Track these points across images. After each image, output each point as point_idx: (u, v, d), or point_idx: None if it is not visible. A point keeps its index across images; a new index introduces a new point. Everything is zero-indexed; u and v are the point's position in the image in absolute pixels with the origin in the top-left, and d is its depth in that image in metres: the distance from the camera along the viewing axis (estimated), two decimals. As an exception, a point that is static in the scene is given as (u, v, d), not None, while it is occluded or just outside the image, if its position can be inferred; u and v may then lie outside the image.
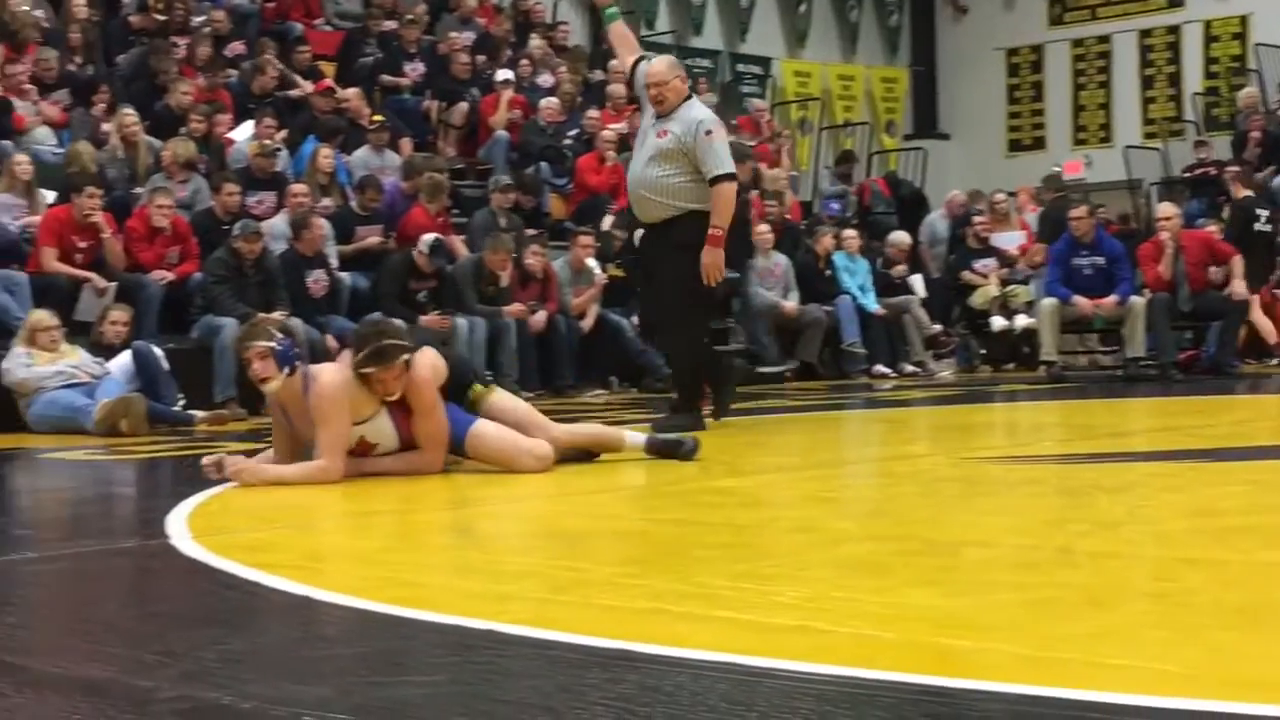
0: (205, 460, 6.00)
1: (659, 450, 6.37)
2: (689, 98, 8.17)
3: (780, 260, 14.81)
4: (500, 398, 6.39)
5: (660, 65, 8.15)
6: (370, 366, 5.84)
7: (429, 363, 6.07)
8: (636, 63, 8.37)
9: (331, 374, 6.01)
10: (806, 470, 6.53)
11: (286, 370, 5.96)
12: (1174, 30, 22.31)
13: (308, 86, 14.88)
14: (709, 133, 7.89)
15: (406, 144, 14.74)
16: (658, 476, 6.15)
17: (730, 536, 4.42)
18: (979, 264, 15.90)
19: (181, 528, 4.66)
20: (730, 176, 7.89)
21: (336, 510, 5.35)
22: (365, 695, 2.54)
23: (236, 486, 5.82)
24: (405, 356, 5.90)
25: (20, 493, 6.89)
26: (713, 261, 7.85)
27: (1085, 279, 13.28)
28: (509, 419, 6.26)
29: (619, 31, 8.66)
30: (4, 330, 10.12)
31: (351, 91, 14.83)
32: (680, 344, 8.33)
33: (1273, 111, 18.97)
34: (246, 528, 4.95)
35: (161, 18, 14.85)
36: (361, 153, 13.99)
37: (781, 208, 15.89)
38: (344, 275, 12.18)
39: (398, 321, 6.17)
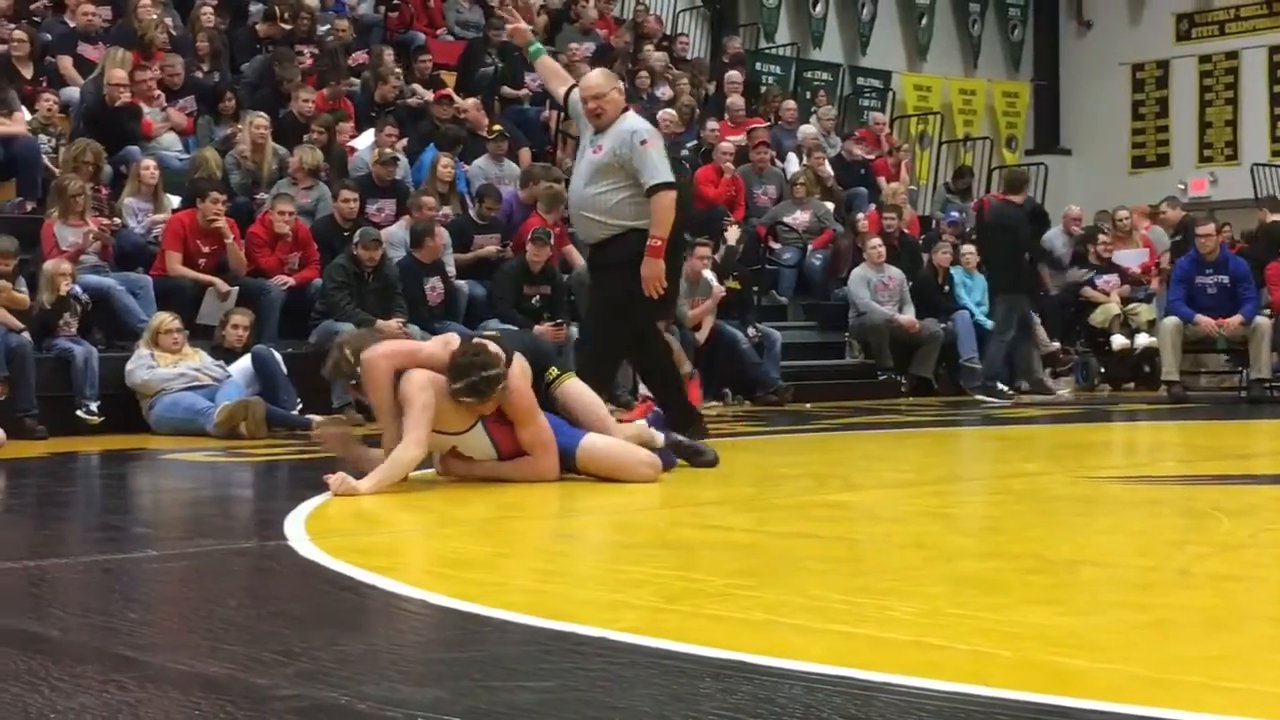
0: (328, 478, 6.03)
1: (679, 450, 6.44)
2: (626, 110, 7.81)
3: (895, 274, 14.71)
4: (575, 385, 6.48)
5: (596, 78, 7.81)
6: (468, 398, 5.89)
7: (520, 371, 6.12)
8: (569, 91, 8.05)
9: (423, 372, 6.01)
10: (922, 486, 6.48)
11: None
12: (1305, 46, 21.92)
13: (428, 95, 15.02)
14: (644, 142, 7.54)
15: (525, 154, 14.82)
16: (770, 489, 6.13)
17: (845, 550, 4.39)
18: (1101, 281, 15.69)
19: (299, 530, 4.72)
20: (668, 185, 7.52)
21: (450, 516, 5.39)
22: (478, 699, 2.56)
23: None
24: (502, 386, 5.90)
25: (142, 492, 7.01)
26: (652, 274, 7.45)
27: (1209, 298, 13.06)
28: (579, 406, 6.40)
29: (547, 65, 8.39)
30: (129, 332, 10.30)
31: (470, 101, 14.95)
32: (590, 364, 7.65)
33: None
34: (362, 531, 5.00)
35: (287, 26, 15.06)
36: (480, 162, 14.08)
37: (900, 222, 15.79)
38: (461, 283, 12.27)
39: (491, 343, 6.09)
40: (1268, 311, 13.12)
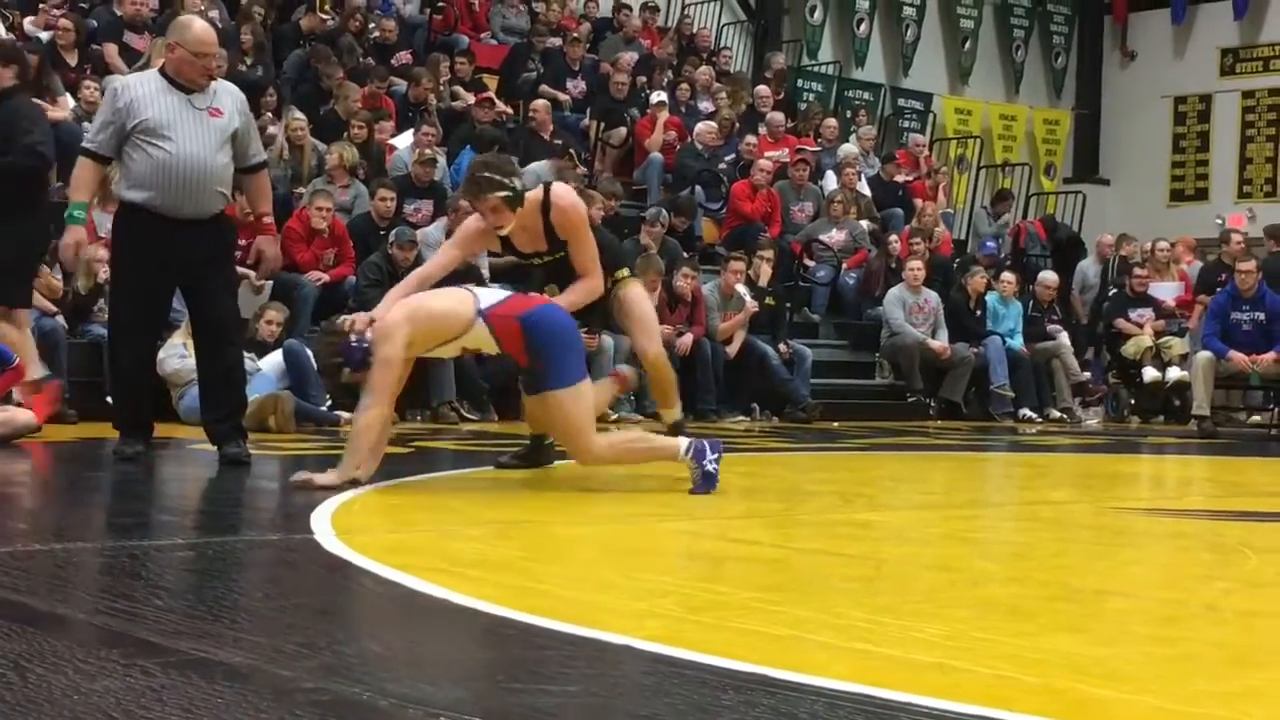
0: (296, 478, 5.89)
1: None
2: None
3: (930, 297, 14.69)
4: (638, 289, 7.19)
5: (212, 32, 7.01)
6: (465, 197, 6.40)
7: (570, 190, 6.69)
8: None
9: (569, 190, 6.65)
10: (949, 509, 6.46)
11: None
12: (1349, 85, 21.82)
13: (469, 98, 15.05)
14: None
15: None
16: (799, 505, 6.12)
17: (870, 570, 4.38)
18: (1134, 313, 15.64)
19: (325, 524, 4.73)
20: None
21: (478, 517, 5.39)
22: (499, 700, 2.56)
23: (379, 487, 5.89)
24: (500, 193, 6.29)
25: (170, 481, 7.04)
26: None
27: (1244, 334, 13.01)
28: (636, 311, 7.11)
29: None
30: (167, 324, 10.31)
31: (540, 104, 14.86)
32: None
33: None
34: (388, 528, 5.01)
35: (327, 19, 15.10)
36: (536, 166, 14.10)
37: (933, 243, 15.77)
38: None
39: (511, 159, 6.95)
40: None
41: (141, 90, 6.79)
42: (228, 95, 6.94)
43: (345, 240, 11.79)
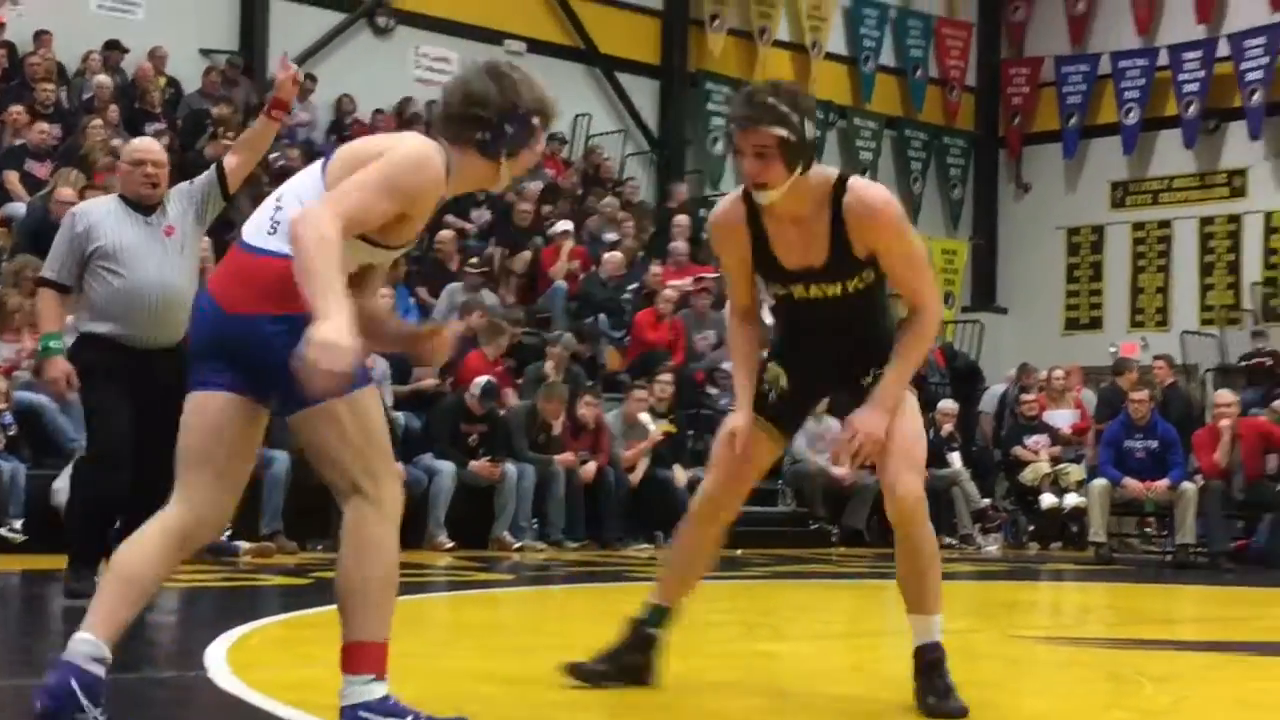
0: None
1: None
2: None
3: (833, 424, 14.78)
4: None
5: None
6: (732, 124, 4.27)
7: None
8: None
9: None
10: (852, 639, 6.48)
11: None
12: (1235, 219, 22.36)
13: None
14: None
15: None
16: (702, 635, 6.10)
17: (775, 703, 4.38)
18: (1030, 440, 15.84)
19: (220, 660, 4.66)
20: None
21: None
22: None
23: (279, 620, 5.81)
24: (782, 130, 4.11)
25: (58, 616, 6.90)
26: None
27: (1138, 461, 13.23)
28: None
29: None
30: (58, 450, 10.17)
31: (446, 234, 14.99)
32: None
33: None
34: (288, 664, 4.94)
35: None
36: (452, 288, 14.15)
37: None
38: (398, 415, 12.23)
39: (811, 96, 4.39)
40: (1198, 477, 13.27)
41: (98, 215, 6.54)
42: (175, 202, 6.63)
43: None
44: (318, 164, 3.74)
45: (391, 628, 3.54)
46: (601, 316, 15.61)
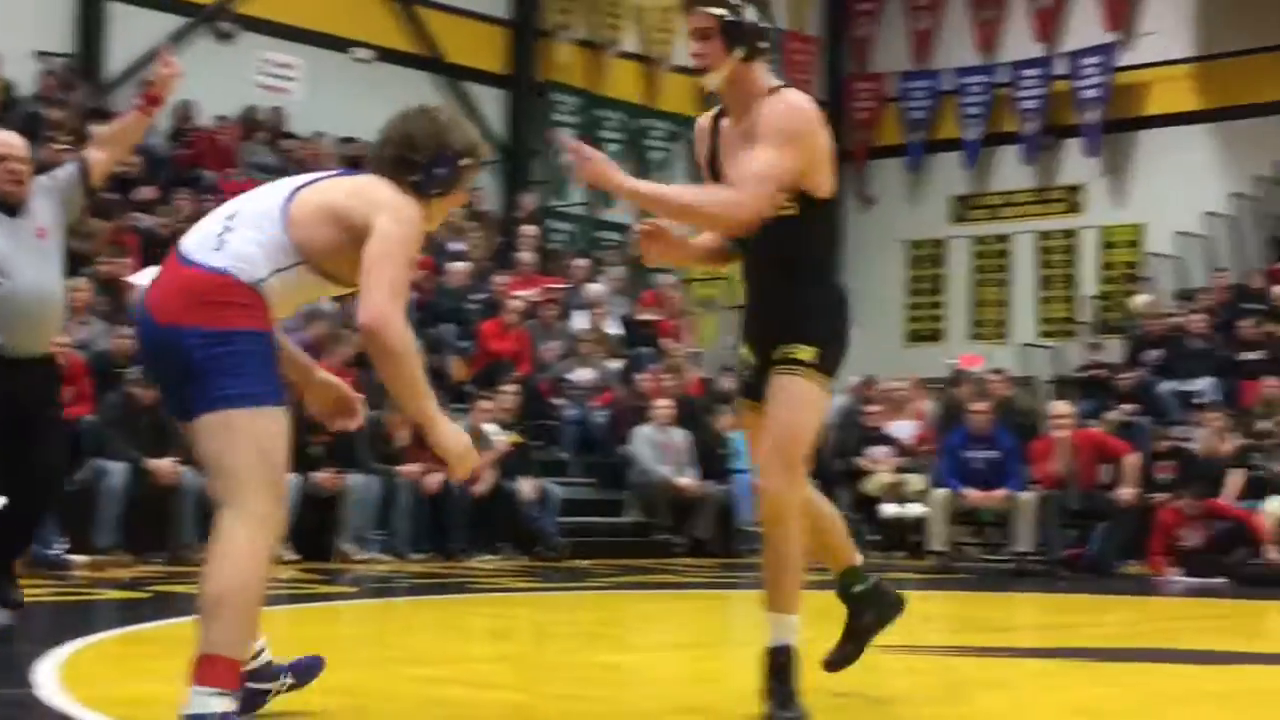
0: None
1: None
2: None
3: (680, 436, 14.86)
4: None
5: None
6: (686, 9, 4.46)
7: None
8: None
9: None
10: (695, 649, 6.51)
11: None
12: (1072, 234, 22.87)
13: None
14: None
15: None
16: (546, 647, 6.09)
17: (615, 713, 4.38)
18: (872, 451, 16.05)
19: (50, 677, 4.55)
20: None
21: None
22: None
23: (113, 635, 5.70)
24: (719, 9, 4.43)
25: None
26: None
27: (977, 471, 13.47)
28: None
29: None
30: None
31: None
32: None
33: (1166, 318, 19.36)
34: (122, 679, 4.84)
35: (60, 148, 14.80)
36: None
37: (681, 382, 16.00)
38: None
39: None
40: (1035, 487, 13.53)
41: None
42: (40, 199, 6.23)
43: (83, 377, 11.48)
44: (278, 196, 3.77)
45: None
46: (447, 326, 15.53)
